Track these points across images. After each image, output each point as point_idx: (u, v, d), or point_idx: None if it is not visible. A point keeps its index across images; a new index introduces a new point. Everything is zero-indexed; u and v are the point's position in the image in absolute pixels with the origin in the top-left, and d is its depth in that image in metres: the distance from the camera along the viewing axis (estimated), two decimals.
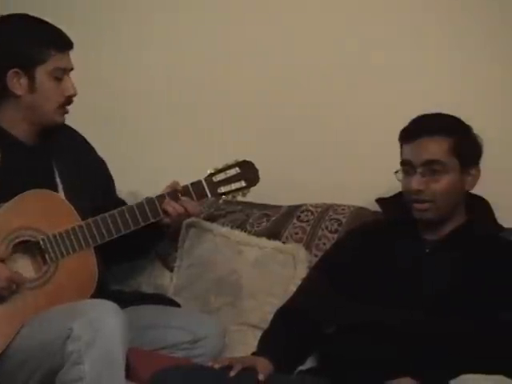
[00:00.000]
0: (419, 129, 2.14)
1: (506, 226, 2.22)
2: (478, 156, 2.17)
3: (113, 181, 2.49)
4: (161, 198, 2.29)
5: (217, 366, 1.99)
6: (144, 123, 2.99)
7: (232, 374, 1.97)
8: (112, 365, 1.97)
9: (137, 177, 2.82)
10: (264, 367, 2.02)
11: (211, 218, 2.67)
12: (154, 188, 2.37)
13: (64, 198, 2.24)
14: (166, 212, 2.28)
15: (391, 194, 2.27)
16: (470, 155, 2.14)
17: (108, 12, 3.00)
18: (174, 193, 2.30)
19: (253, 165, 2.36)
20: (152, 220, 2.27)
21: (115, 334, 1.97)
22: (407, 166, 2.13)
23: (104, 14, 3.01)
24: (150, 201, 2.28)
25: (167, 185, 2.34)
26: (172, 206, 2.28)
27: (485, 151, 2.19)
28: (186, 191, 2.31)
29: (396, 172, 2.17)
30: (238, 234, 2.61)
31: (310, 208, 2.60)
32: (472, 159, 2.15)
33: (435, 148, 2.10)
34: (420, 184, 2.10)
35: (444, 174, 2.10)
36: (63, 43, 2.26)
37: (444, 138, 2.11)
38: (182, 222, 2.53)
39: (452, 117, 2.17)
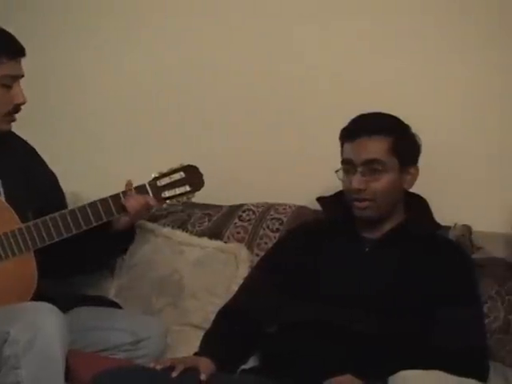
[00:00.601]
0: (359, 128, 2.16)
1: (442, 223, 2.26)
2: (417, 155, 2.20)
3: (63, 194, 2.45)
4: (115, 197, 2.27)
5: (159, 367, 1.98)
6: (94, 126, 2.97)
7: (174, 374, 1.96)
8: (51, 366, 1.95)
9: (82, 180, 2.80)
10: (206, 367, 2.02)
11: (152, 219, 2.66)
12: (99, 191, 2.35)
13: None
14: (124, 209, 2.26)
15: (331, 192, 2.30)
16: (408, 154, 2.17)
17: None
18: (129, 191, 2.29)
19: (197, 169, 2.35)
20: (94, 223, 2.24)
21: (54, 335, 1.95)
22: (348, 165, 2.15)
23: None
24: (92, 204, 2.25)
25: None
26: (129, 202, 2.26)
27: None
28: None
29: (337, 171, 2.19)
30: (180, 234, 2.61)
31: (252, 207, 2.61)
32: (411, 158, 2.18)
33: (375, 147, 2.13)
34: (361, 183, 2.12)
35: (384, 173, 2.13)
36: (15, 50, 2.21)
37: (384, 137, 2.13)
38: (144, 217, 2.47)
39: (391, 116, 2.19)
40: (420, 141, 2.20)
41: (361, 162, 2.12)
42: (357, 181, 2.12)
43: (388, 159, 2.13)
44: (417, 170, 2.19)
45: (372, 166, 2.12)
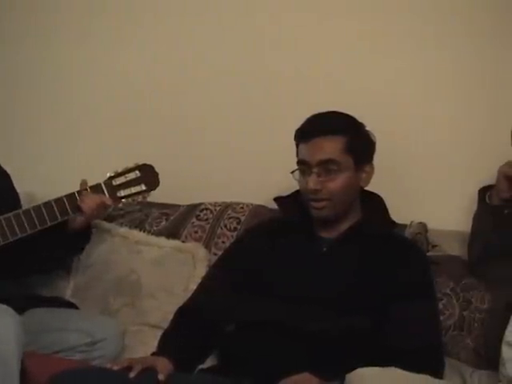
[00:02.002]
0: (313, 129, 2.16)
1: (399, 221, 2.27)
2: (371, 153, 2.21)
3: (17, 194, 2.43)
4: (70, 197, 2.25)
5: (116, 368, 1.97)
6: (48, 126, 2.95)
7: (132, 374, 1.95)
8: (5, 368, 1.93)
9: (37, 180, 2.77)
10: (164, 367, 2.01)
11: (109, 218, 2.65)
12: (54, 191, 2.32)
13: None
14: (79, 209, 2.25)
15: (288, 192, 2.29)
16: (363, 153, 2.17)
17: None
18: (84, 191, 2.27)
19: (153, 168, 2.35)
20: (49, 223, 2.23)
21: (8, 336, 1.93)
22: (303, 166, 2.15)
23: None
24: (47, 204, 2.23)
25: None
26: (85, 202, 2.24)
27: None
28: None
29: (292, 172, 2.18)
30: (137, 234, 2.60)
31: (209, 207, 2.61)
32: (365, 157, 2.18)
33: (329, 147, 2.12)
34: (317, 184, 2.12)
35: (339, 173, 2.13)
36: None
37: (338, 137, 2.13)
38: (99, 216, 2.43)
39: (345, 115, 2.19)
40: (374, 138, 2.21)
41: (316, 163, 2.13)
42: (312, 181, 2.12)
43: (343, 159, 2.13)
44: (372, 167, 2.20)
45: (327, 167, 2.12)
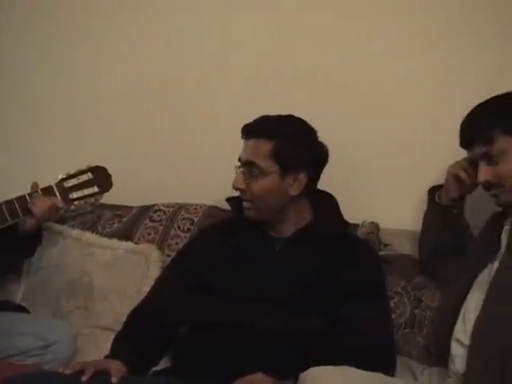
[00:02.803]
0: (250, 129, 2.16)
1: (351, 221, 2.29)
2: (308, 163, 2.16)
3: None
4: (20, 199, 2.23)
5: (68, 372, 1.95)
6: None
7: (84, 378, 1.93)
8: None
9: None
10: (117, 370, 2.00)
11: (61, 220, 2.63)
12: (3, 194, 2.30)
13: None
14: (30, 211, 2.22)
15: None
16: (293, 161, 2.13)
17: None
18: (35, 193, 2.25)
19: (105, 170, 2.34)
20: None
21: None
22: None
23: None
24: None
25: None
26: (35, 204, 2.23)
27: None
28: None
29: (238, 167, 2.19)
30: (89, 236, 2.59)
31: (162, 208, 2.60)
32: (297, 165, 2.14)
33: (254, 151, 2.13)
34: (240, 183, 2.15)
35: (261, 177, 2.13)
36: None
37: (267, 141, 2.12)
38: (51, 218, 2.42)
39: (288, 121, 2.17)
40: (322, 149, 2.18)
41: (243, 163, 2.15)
42: (236, 180, 2.16)
43: (266, 164, 2.12)
44: (306, 176, 2.15)
45: (250, 169, 2.14)
